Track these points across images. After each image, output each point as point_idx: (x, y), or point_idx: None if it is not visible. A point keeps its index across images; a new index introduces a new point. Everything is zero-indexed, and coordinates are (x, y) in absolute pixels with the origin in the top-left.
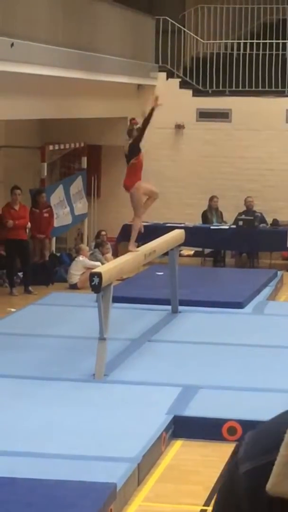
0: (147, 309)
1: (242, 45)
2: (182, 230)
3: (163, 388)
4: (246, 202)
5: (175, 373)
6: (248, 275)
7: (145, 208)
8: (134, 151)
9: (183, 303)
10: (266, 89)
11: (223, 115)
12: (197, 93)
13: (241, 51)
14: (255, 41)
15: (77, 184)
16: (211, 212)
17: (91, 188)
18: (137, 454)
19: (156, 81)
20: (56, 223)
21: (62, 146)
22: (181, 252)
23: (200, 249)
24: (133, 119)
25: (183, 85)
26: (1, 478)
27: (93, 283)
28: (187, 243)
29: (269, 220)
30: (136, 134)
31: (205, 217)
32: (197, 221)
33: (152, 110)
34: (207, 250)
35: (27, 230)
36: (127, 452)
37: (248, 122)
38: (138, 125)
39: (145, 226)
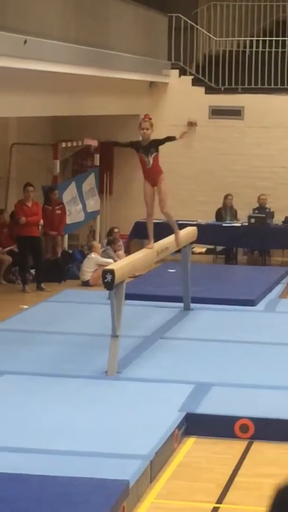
0: (159, 306)
1: (254, 42)
2: (195, 228)
3: (175, 385)
4: (259, 200)
5: (188, 370)
6: (260, 273)
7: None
8: (155, 146)
9: (195, 300)
10: (279, 86)
11: (235, 113)
12: (209, 90)
13: (254, 49)
14: (267, 38)
15: (90, 181)
16: (225, 210)
17: (103, 185)
18: (149, 451)
19: (168, 79)
20: (68, 220)
21: (74, 143)
22: (193, 249)
23: (212, 247)
24: (147, 115)
25: (196, 82)
26: (13, 475)
27: (106, 280)
28: (199, 240)
29: (282, 217)
30: (158, 137)
31: (219, 215)
32: (210, 219)
33: (174, 139)
34: (219, 248)
35: (40, 227)
36: (139, 449)
37: (261, 119)
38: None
39: (157, 224)
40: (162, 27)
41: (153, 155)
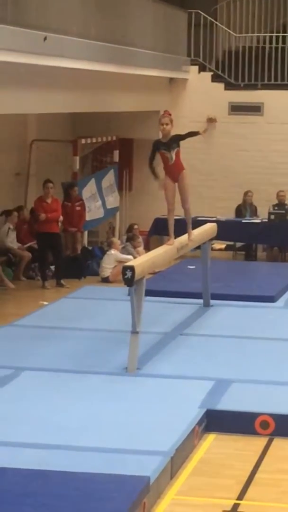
0: (179, 302)
1: (274, 38)
2: (215, 224)
3: (195, 381)
4: (278, 196)
5: (208, 366)
6: (280, 269)
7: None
8: (177, 141)
9: (215, 296)
10: None
11: (255, 109)
12: (229, 86)
13: (273, 44)
14: (287, 34)
15: (109, 178)
16: (245, 207)
17: (122, 181)
18: (170, 448)
19: (188, 75)
20: (88, 217)
21: (94, 140)
22: (213, 246)
23: (231, 243)
24: (166, 110)
25: (215, 78)
26: (35, 471)
27: (126, 277)
28: (219, 236)
29: None
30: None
31: (239, 211)
32: (229, 215)
33: (198, 133)
34: (238, 244)
35: (59, 224)
36: (160, 446)
37: (280, 115)
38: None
39: (177, 220)
40: (182, 23)
41: (175, 151)
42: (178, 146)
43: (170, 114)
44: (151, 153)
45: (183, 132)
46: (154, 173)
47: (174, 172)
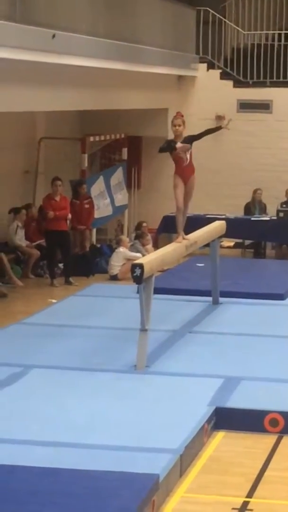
0: (188, 300)
1: (283, 35)
2: (223, 222)
3: (204, 379)
4: (287, 194)
5: (217, 364)
6: None
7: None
8: (190, 142)
9: (224, 294)
10: None
11: (264, 106)
12: (237, 84)
13: (282, 42)
14: None
15: (118, 175)
16: (254, 205)
17: (131, 179)
18: (179, 445)
19: (196, 72)
20: (96, 214)
21: (102, 138)
22: (221, 243)
23: (240, 241)
24: (179, 112)
25: (224, 76)
26: (44, 469)
27: (135, 274)
28: (227, 234)
29: None
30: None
31: (247, 209)
32: (238, 213)
33: (219, 128)
34: (247, 242)
35: (68, 221)
36: (169, 443)
37: None
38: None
39: (187, 217)
40: (190, 20)
41: (189, 151)
42: (191, 147)
43: (182, 116)
44: (164, 148)
45: (195, 132)
46: (164, 150)
47: (188, 173)
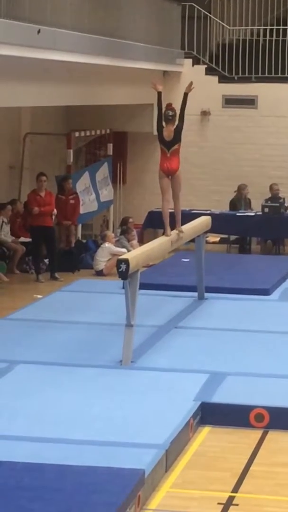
0: (174, 295)
1: (268, 31)
2: (209, 217)
3: (190, 374)
4: (272, 189)
5: (202, 359)
6: (274, 262)
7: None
8: (179, 137)
9: (209, 289)
10: None
11: (249, 102)
12: (223, 79)
13: (267, 37)
14: (281, 27)
15: (103, 171)
16: (240, 201)
17: (116, 174)
18: (165, 441)
19: (182, 68)
20: (82, 210)
21: (88, 133)
22: (207, 238)
23: (226, 236)
24: (170, 104)
25: (209, 71)
26: (29, 464)
27: (120, 270)
28: (213, 229)
29: None
30: (178, 121)
31: (233, 204)
32: (223, 208)
33: (186, 95)
34: (232, 237)
35: (53, 217)
36: (155, 439)
37: (274, 108)
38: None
39: (171, 213)
40: (176, 16)
41: (178, 145)
42: (180, 140)
43: (174, 109)
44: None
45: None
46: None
47: (170, 165)
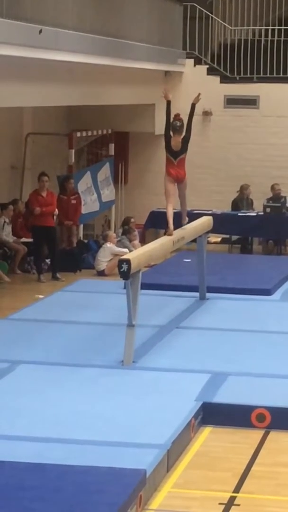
0: (175, 296)
1: (270, 31)
2: (210, 217)
3: (191, 375)
4: (273, 189)
5: (204, 360)
6: (276, 262)
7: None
8: (186, 147)
9: (211, 290)
10: None
11: (251, 102)
12: (224, 79)
13: (269, 38)
14: (283, 27)
15: (105, 171)
16: (242, 201)
17: (118, 174)
18: (166, 441)
19: (183, 68)
20: (83, 210)
21: (89, 133)
22: (208, 239)
23: (227, 236)
24: (178, 114)
25: (211, 71)
26: (31, 464)
27: (122, 270)
28: (214, 230)
29: None
30: (185, 132)
31: (235, 205)
32: (225, 208)
33: (193, 106)
34: (234, 237)
35: (55, 217)
36: (156, 439)
37: (276, 108)
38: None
39: (176, 212)
40: (177, 16)
41: (184, 155)
42: (186, 150)
43: (182, 120)
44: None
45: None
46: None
47: (178, 173)
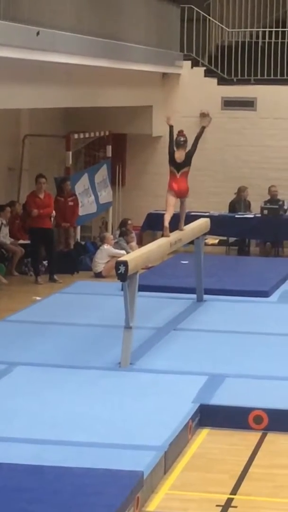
0: (172, 297)
1: (267, 33)
2: (208, 219)
3: (189, 376)
4: (270, 191)
5: (201, 361)
6: (273, 264)
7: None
8: (189, 161)
9: (208, 291)
10: None
11: (248, 104)
12: (222, 81)
13: (266, 40)
14: (280, 29)
15: (102, 173)
16: (239, 203)
17: (115, 176)
18: (163, 443)
19: (181, 70)
20: (81, 212)
21: (87, 135)
22: (206, 241)
23: (224, 238)
24: (181, 131)
25: (208, 73)
26: (29, 466)
27: (119, 272)
28: (212, 231)
29: None
30: (191, 147)
31: (233, 207)
32: (222, 210)
33: (203, 129)
34: (231, 239)
35: (52, 219)
36: (153, 441)
37: (273, 110)
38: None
39: (175, 214)
40: (175, 18)
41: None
42: (190, 164)
43: (185, 136)
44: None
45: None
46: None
47: (180, 187)
